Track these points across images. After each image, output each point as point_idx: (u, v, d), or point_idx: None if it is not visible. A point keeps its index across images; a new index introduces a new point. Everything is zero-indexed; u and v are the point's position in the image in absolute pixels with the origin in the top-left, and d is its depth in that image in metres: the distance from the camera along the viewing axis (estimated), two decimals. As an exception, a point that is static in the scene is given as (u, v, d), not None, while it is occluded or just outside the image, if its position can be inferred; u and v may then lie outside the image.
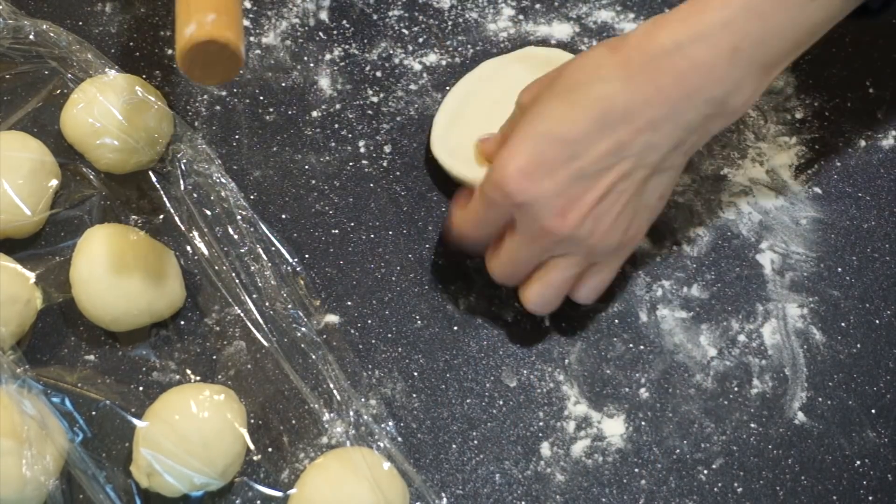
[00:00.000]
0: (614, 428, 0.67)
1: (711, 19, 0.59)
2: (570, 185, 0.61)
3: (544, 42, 0.79)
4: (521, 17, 0.79)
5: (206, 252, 0.69)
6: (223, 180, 0.71)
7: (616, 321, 0.70)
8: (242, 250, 0.69)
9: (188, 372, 0.68)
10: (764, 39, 0.59)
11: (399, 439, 0.66)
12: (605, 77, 0.61)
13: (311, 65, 0.78)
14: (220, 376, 0.68)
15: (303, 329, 0.68)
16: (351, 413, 0.66)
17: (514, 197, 0.62)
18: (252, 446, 0.65)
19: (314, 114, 0.76)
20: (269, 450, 0.66)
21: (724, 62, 0.59)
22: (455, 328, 0.70)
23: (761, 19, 0.59)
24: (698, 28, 0.59)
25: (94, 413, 0.65)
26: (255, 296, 0.68)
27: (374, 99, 0.77)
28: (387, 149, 0.75)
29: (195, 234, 0.70)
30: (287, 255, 0.70)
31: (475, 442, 0.67)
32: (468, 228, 0.67)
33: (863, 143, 0.76)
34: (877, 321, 0.70)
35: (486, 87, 0.75)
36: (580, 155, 0.61)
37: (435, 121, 0.74)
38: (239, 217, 0.70)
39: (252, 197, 0.73)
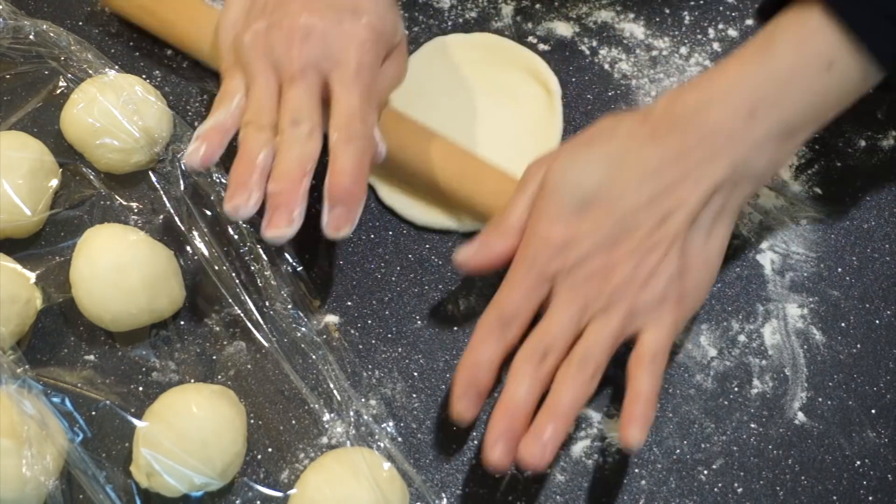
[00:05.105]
0: (615, 428, 0.67)
1: (729, 81, 0.62)
2: (612, 237, 0.61)
3: (544, 41, 0.79)
4: (520, 17, 0.79)
5: (206, 252, 0.69)
6: (223, 180, 0.71)
7: (616, 321, 0.70)
8: (242, 250, 0.69)
9: (188, 372, 0.68)
10: (780, 103, 0.61)
11: (399, 439, 0.66)
12: (637, 140, 0.62)
13: (311, 65, 0.78)
14: (220, 376, 0.68)
15: (303, 329, 0.68)
16: (351, 413, 0.66)
17: (565, 251, 0.61)
18: (252, 446, 0.65)
19: (314, 114, 0.76)
20: (269, 450, 0.66)
21: (742, 123, 0.61)
22: (455, 328, 0.70)
23: (776, 83, 0.60)
24: (717, 90, 0.62)
25: (93, 413, 0.65)
26: (255, 296, 0.68)
27: (374, 99, 0.77)
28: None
29: (195, 234, 0.70)
30: (287, 255, 0.70)
31: (475, 442, 0.67)
32: (510, 304, 0.63)
33: (863, 143, 0.75)
34: (877, 321, 0.70)
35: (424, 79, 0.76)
36: (620, 209, 0.62)
37: None
38: (239, 217, 0.70)
39: (252, 197, 0.73)
